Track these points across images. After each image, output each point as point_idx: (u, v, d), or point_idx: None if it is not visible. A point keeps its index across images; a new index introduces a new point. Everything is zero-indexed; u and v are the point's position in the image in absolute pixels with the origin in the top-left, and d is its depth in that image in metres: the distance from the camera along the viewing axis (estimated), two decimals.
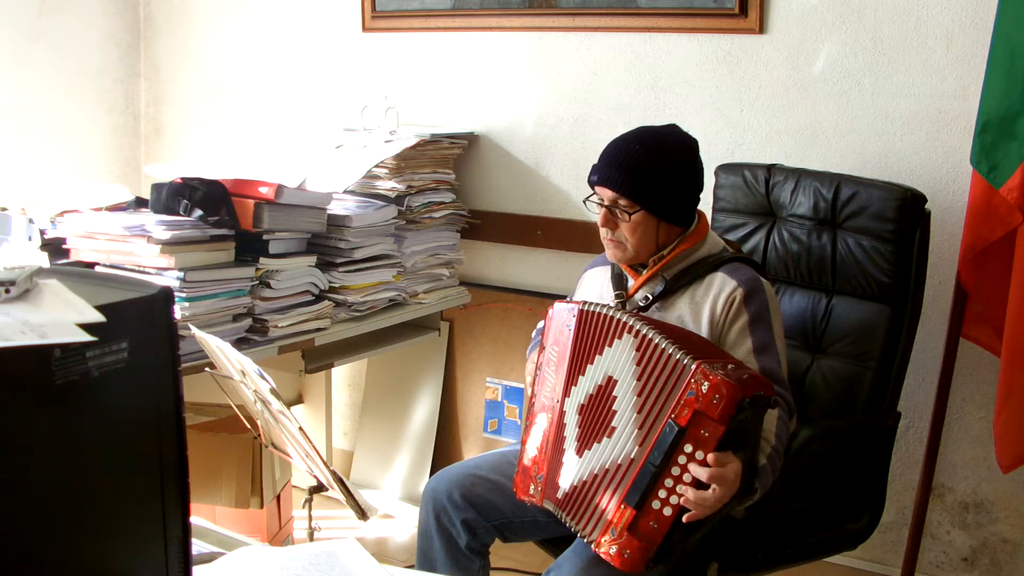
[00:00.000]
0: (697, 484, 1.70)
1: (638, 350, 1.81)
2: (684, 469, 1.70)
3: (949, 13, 2.53)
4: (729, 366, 1.72)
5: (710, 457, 1.68)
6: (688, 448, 1.69)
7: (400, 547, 3.15)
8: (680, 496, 1.70)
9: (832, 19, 2.68)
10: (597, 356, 1.88)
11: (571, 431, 1.90)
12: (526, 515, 2.11)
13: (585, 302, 1.95)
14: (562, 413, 1.92)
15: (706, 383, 1.67)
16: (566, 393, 1.92)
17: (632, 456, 1.76)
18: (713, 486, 1.68)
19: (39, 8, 3.62)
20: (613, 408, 1.83)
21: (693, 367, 1.70)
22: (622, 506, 1.74)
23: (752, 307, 1.96)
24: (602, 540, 1.77)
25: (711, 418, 1.67)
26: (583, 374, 1.90)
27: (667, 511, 1.72)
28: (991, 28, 2.32)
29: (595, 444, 1.85)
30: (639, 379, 1.79)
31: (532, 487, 1.96)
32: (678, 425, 1.69)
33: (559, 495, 1.90)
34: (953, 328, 2.51)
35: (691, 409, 1.68)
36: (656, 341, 1.78)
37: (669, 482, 1.71)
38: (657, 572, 1.80)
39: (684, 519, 1.71)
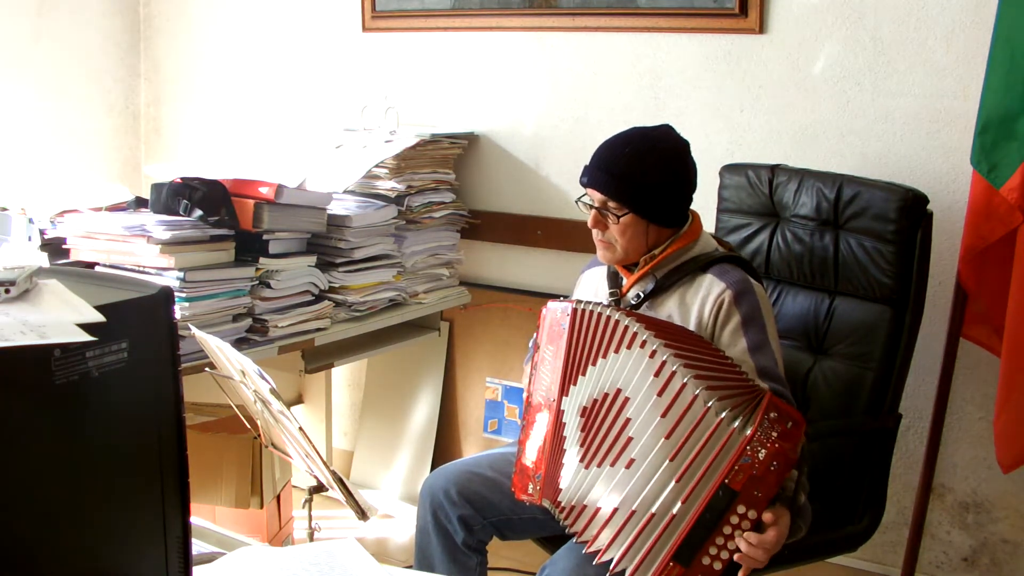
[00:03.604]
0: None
1: (656, 376, 1.76)
2: (736, 528, 1.71)
3: (949, 13, 2.53)
4: (772, 415, 1.69)
5: (766, 516, 1.70)
6: (741, 509, 1.70)
7: (400, 547, 3.15)
8: (730, 551, 1.72)
9: (832, 19, 2.67)
10: (600, 359, 1.85)
11: (571, 432, 1.88)
12: (524, 512, 2.10)
13: (578, 300, 1.94)
14: (560, 412, 1.90)
15: (763, 451, 1.67)
16: (564, 392, 1.90)
17: (674, 512, 1.73)
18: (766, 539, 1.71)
19: (39, 8, 3.62)
20: (629, 434, 1.79)
21: (748, 433, 1.68)
22: (671, 563, 1.73)
23: (743, 307, 1.96)
24: None
25: (767, 483, 1.68)
26: (583, 375, 1.88)
27: (717, 565, 1.73)
28: (991, 28, 2.32)
29: (607, 466, 1.81)
30: (664, 416, 1.75)
31: (531, 486, 1.95)
32: (732, 490, 1.69)
33: (559, 498, 1.89)
34: (953, 328, 2.51)
35: (746, 475, 1.68)
36: (686, 382, 1.73)
37: (720, 540, 1.72)
38: None
39: None
